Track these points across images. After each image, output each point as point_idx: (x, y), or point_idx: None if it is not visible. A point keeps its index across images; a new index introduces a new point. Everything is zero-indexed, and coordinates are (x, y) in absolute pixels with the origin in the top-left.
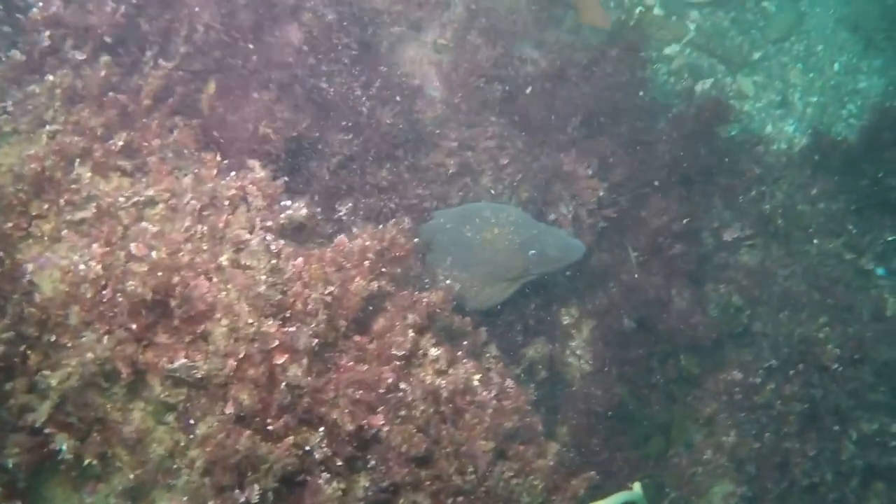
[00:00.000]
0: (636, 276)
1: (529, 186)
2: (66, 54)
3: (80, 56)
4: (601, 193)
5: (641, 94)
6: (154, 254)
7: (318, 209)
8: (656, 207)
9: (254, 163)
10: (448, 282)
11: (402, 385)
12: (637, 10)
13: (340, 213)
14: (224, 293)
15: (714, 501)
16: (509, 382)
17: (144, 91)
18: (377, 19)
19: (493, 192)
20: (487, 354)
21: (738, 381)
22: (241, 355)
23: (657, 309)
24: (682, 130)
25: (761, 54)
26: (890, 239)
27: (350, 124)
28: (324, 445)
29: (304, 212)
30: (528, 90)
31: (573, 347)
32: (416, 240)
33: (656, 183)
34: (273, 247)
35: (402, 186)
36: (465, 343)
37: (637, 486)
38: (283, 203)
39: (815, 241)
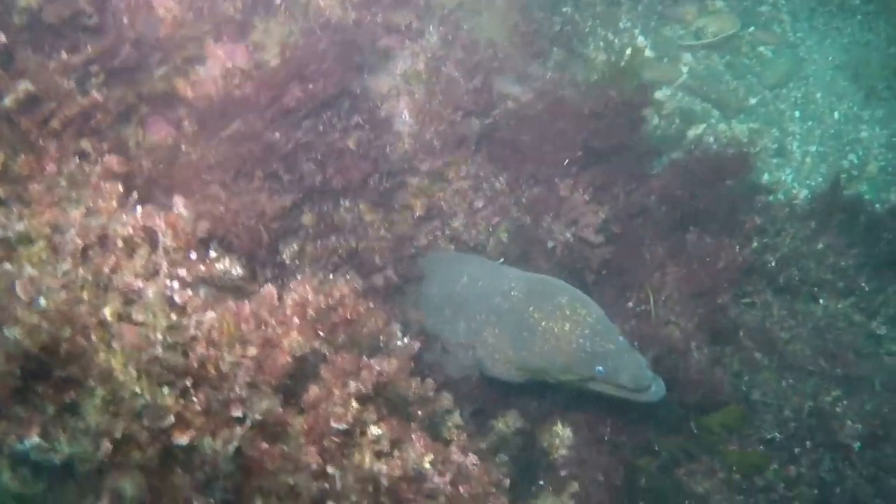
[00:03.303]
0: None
1: (510, 227)
2: None
3: None
4: (603, 216)
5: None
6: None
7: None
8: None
9: (178, 199)
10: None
11: (330, 470)
12: (627, 52)
13: (283, 257)
14: (103, 354)
15: None
16: (472, 459)
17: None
18: None
19: (465, 237)
20: (449, 424)
21: None
22: (118, 435)
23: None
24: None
25: (757, 100)
26: None
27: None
28: None
29: (237, 272)
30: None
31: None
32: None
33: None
34: (178, 298)
35: (362, 229)
36: (419, 412)
37: None
38: (211, 254)
39: (821, 300)
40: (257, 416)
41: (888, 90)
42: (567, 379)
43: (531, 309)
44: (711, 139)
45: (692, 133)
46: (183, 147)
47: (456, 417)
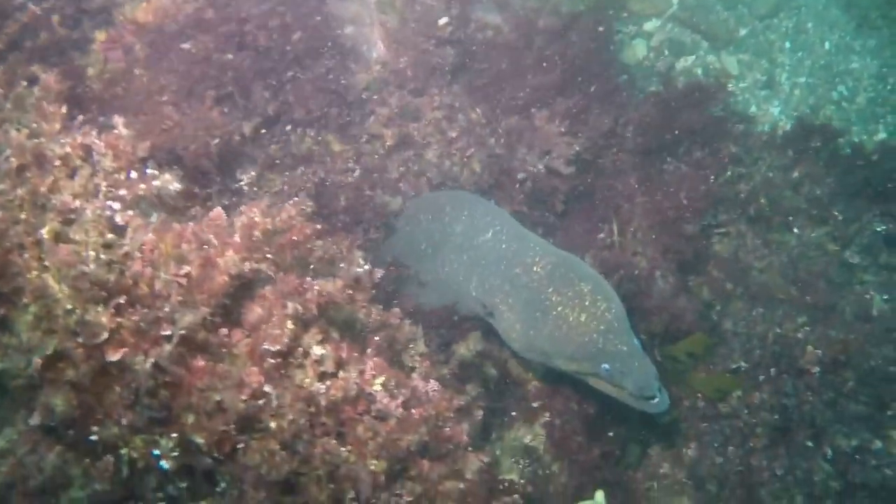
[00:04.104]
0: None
1: (483, 157)
2: None
3: None
4: (577, 148)
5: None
6: None
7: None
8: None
9: (118, 119)
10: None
11: (268, 389)
12: None
13: (241, 183)
14: (36, 272)
15: None
16: (432, 385)
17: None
18: None
19: (436, 170)
20: (412, 352)
21: None
22: (50, 351)
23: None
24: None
25: (748, 31)
26: (879, 229)
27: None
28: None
29: (174, 186)
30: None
31: None
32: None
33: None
34: (119, 219)
35: (330, 159)
36: (376, 339)
37: (600, 496)
38: (148, 171)
39: (795, 230)
40: (181, 332)
41: (882, 19)
42: (569, 369)
43: (550, 290)
44: (700, 71)
45: (681, 65)
46: (136, 71)
47: (420, 346)
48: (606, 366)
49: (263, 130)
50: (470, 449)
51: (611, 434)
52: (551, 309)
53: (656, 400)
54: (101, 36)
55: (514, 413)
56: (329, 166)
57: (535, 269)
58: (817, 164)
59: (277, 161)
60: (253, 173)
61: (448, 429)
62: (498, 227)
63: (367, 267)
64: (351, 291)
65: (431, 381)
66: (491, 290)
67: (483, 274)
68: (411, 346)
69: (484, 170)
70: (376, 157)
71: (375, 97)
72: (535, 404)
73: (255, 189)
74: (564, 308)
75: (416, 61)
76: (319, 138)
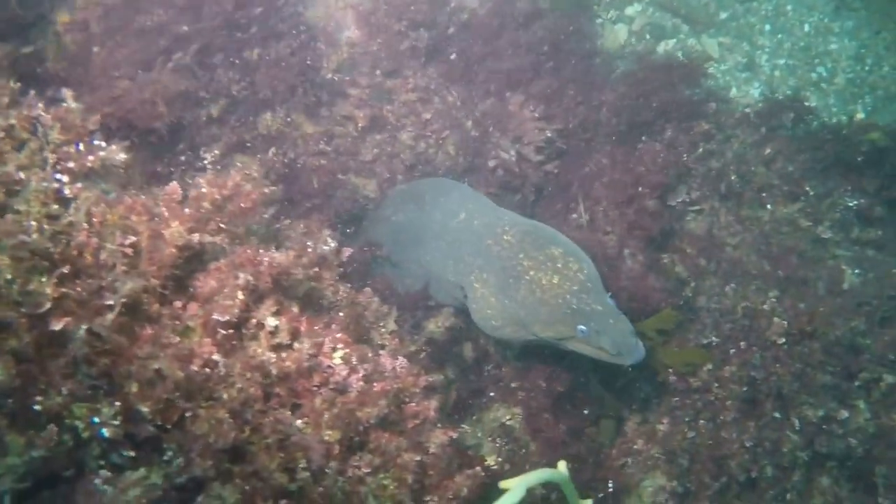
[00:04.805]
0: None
1: (458, 140)
2: None
3: None
4: (549, 134)
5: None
6: None
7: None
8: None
9: (67, 92)
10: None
11: (217, 358)
12: None
13: (205, 161)
14: None
15: (643, 497)
16: (400, 362)
17: None
18: None
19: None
20: (382, 329)
21: None
22: None
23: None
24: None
25: (728, 14)
26: (851, 204)
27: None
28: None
29: (120, 156)
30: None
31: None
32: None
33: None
34: (67, 191)
35: (302, 140)
36: (341, 315)
37: (562, 465)
38: (96, 142)
39: (768, 206)
40: (122, 300)
41: (859, 0)
42: (546, 335)
43: (521, 256)
44: (681, 54)
45: (662, 48)
46: (94, 48)
47: (390, 324)
48: (583, 327)
49: (229, 110)
50: (438, 425)
51: (585, 412)
52: (524, 274)
53: (632, 350)
54: (63, 17)
55: (492, 394)
56: (301, 148)
57: (505, 237)
58: (790, 140)
59: (249, 144)
60: (217, 151)
61: (414, 404)
62: (470, 206)
63: (334, 245)
64: (317, 269)
65: (400, 357)
66: (466, 269)
67: (457, 254)
68: (381, 324)
69: (459, 152)
70: (349, 139)
71: (347, 78)
72: (512, 384)
73: (218, 168)
74: (537, 272)
75: (390, 43)
76: (289, 119)
